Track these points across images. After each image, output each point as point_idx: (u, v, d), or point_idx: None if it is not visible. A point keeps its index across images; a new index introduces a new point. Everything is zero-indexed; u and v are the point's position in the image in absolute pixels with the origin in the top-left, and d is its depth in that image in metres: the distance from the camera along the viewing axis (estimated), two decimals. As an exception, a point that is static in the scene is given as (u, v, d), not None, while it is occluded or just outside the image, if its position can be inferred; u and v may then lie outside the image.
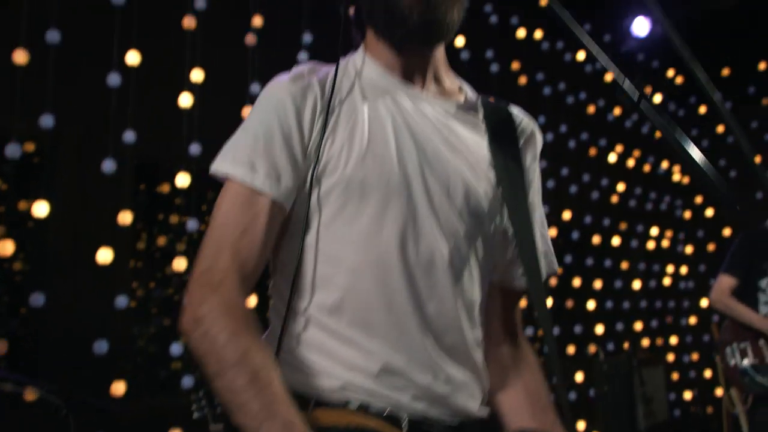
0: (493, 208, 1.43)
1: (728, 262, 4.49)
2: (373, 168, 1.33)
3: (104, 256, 3.61)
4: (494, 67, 5.70)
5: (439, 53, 1.49)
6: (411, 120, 1.40)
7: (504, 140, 1.49)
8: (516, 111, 1.58)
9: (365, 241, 1.31)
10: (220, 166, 1.33)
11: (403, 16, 1.36)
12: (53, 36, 3.56)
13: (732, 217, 7.04)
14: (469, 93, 1.54)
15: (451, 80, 1.53)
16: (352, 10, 1.49)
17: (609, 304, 6.75)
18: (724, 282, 4.44)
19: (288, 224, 1.37)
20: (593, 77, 6.54)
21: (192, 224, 3.87)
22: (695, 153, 0.96)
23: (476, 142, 1.46)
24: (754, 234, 4.54)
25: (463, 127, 1.46)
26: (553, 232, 4.84)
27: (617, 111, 7.04)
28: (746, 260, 4.43)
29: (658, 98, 7.54)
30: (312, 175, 1.33)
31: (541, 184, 1.58)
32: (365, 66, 1.46)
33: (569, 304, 6.24)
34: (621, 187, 7.03)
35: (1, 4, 3.68)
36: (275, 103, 1.35)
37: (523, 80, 5.95)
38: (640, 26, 6.61)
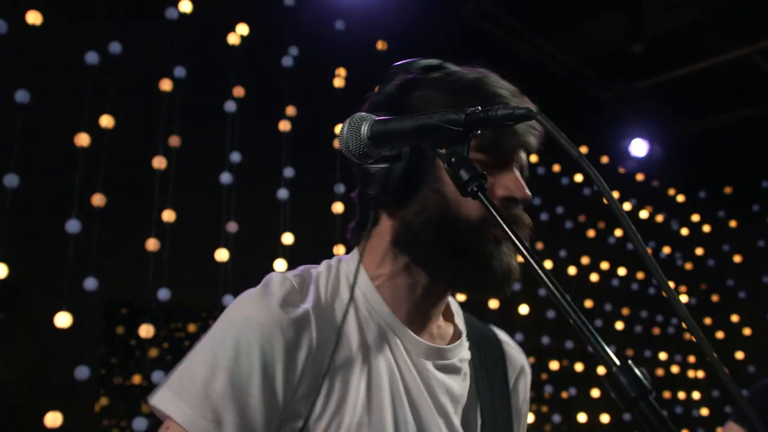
0: None
1: (739, 412, 4.15)
2: None
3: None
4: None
5: None
6: (410, 383, 1.20)
7: (494, 385, 1.34)
8: (505, 341, 1.43)
9: None
10: (167, 404, 1.07)
11: (494, 273, 1.16)
12: (11, 180, 3.35)
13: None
14: (460, 325, 1.35)
15: (448, 310, 1.36)
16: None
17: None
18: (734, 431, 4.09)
19: None
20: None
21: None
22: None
23: (466, 394, 1.28)
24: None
25: (454, 378, 1.27)
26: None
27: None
28: (758, 415, 4.08)
29: (659, 218, 7.35)
30: None
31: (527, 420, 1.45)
32: (366, 294, 1.22)
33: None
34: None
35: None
36: (260, 333, 1.08)
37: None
38: (638, 147, 6.54)
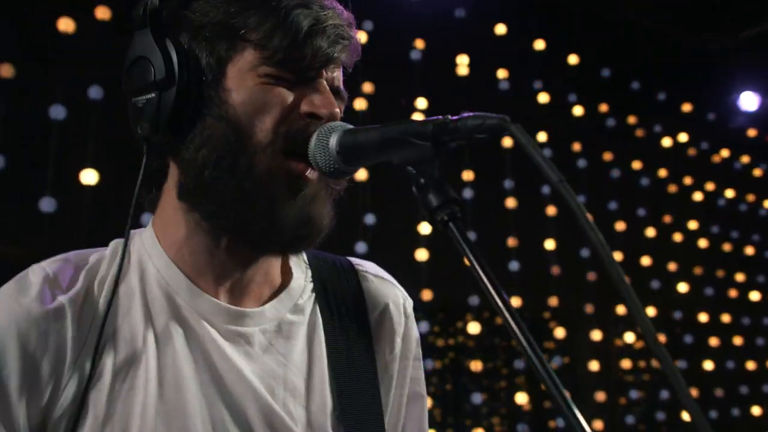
0: None
1: None
2: None
3: None
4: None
5: None
6: (224, 368, 0.99)
7: (349, 332, 1.11)
8: (364, 274, 1.19)
9: None
10: None
11: (282, 228, 0.98)
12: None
13: None
14: (294, 267, 1.13)
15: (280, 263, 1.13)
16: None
17: (735, 411, 5.97)
18: None
19: None
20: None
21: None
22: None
23: (308, 354, 1.08)
24: None
25: (290, 340, 1.07)
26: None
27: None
28: None
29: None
30: None
31: (413, 369, 1.20)
32: (159, 267, 1.03)
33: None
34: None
35: None
36: None
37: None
38: (748, 101, 6.09)
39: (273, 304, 1.07)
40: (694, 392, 5.31)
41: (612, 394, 5.52)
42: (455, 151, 0.85)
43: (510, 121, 0.77)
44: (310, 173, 0.99)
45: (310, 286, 1.13)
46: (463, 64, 4.61)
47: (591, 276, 4.98)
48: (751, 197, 6.54)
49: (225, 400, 0.98)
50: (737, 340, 6.07)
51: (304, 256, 1.16)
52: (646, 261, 5.45)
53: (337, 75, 1.06)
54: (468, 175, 4.53)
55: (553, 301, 4.85)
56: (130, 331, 0.98)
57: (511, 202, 4.66)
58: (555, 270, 4.79)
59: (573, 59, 5.16)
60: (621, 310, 5.32)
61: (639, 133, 5.71)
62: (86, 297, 0.98)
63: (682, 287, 5.64)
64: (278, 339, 1.05)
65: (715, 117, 6.20)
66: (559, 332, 5.05)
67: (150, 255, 1.04)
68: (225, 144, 0.97)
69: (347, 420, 1.05)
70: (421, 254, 4.34)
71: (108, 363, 0.95)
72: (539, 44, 4.94)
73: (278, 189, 0.97)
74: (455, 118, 0.83)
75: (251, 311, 1.04)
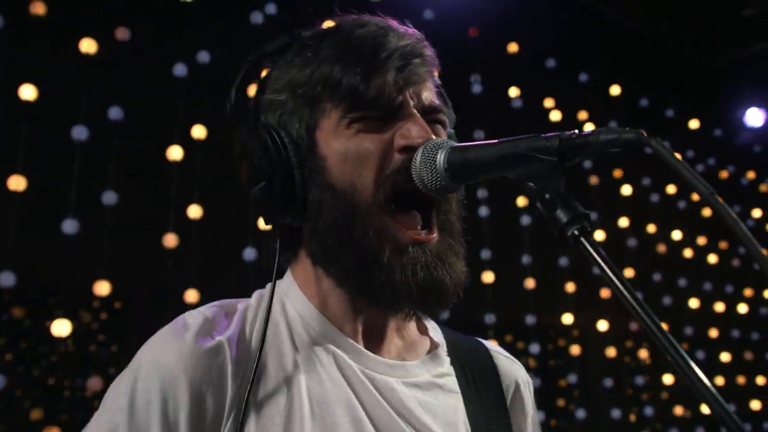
0: None
1: None
2: None
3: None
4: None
5: None
6: (367, 403, 1.00)
7: (485, 404, 1.12)
8: (495, 352, 1.22)
9: None
10: None
11: (407, 296, 0.98)
12: (109, 197, 3.37)
13: None
14: (436, 338, 1.16)
15: (420, 323, 1.16)
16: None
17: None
18: None
19: None
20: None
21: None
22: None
23: (450, 413, 1.07)
24: None
25: (433, 395, 1.07)
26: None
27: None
28: None
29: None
30: None
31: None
32: (303, 313, 1.06)
33: None
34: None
35: None
36: (160, 383, 0.94)
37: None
38: (754, 117, 6.12)
39: (418, 363, 1.09)
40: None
41: (626, 410, 5.51)
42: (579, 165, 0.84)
43: (646, 135, 0.75)
44: (425, 234, 0.99)
45: (448, 358, 1.14)
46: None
47: (604, 293, 4.98)
48: (756, 213, 6.57)
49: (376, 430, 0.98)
50: (748, 355, 6.08)
51: (439, 328, 1.18)
52: (657, 277, 5.47)
53: (426, 93, 1.04)
54: (482, 193, 4.54)
55: (567, 319, 4.85)
56: (282, 369, 1.00)
57: (525, 220, 4.66)
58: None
59: (583, 77, 5.19)
60: (634, 326, 5.33)
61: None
62: (240, 337, 1.00)
63: (693, 303, 5.64)
64: (419, 393, 1.05)
65: (721, 133, 6.23)
66: (575, 349, 5.05)
67: (293, 303, 1.06)
68: (335, 210, 0.99)
69: None
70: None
71: (264, 398, 0.97)
72: (550, 62, 4.97)
73: (392, 259, 0.97)
74: (584, 133, 0.82)
75: (396, 363, 1.06)
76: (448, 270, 0.99)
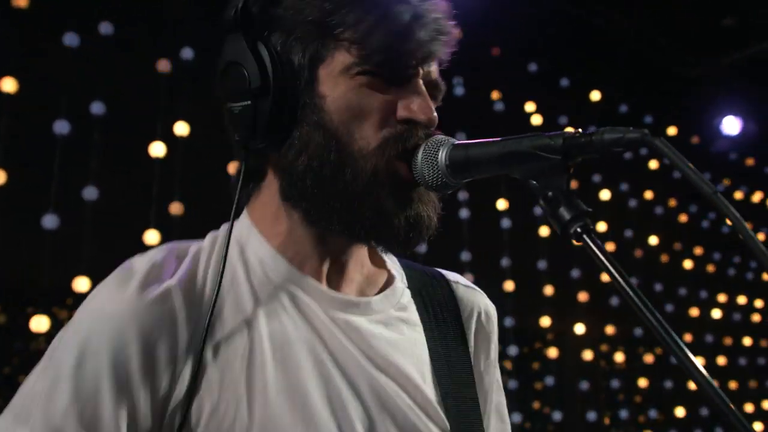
0: None
1: None
2: None
3: None
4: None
5: None
6: (330, 342, 1.00)
7: (446, 335, 1.12)
8: (455, 282, 1.20)
9: None
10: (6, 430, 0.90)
11: (393, 230, 0.98)
12: (90, 193, 3.34)
13: None
14: (394, 271, 1.15)
15: (372, 256, 1.14)
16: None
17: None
18: None
19: None
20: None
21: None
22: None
23: (416, 347, 1.08)
24: None
25: (398, 331, 1.07)
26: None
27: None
28: None
29: (756, 198, 6.97)
30: None
31: (499, 375, 1.23)
32: (262, 255, 1.03)
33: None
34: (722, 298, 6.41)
35: None
36: (108, 333, 0.90)
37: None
38: (731, 125, 6.20)
39: (380, 298, 1.08)
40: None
41: (601, 412, 5.55)
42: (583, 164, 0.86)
43: (651, 135, 0.76)
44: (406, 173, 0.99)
45: (408, 290, 1.14)
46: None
47: (582, 296, 5.02)
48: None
49: (339, 378, 0.97)
50: (721, 360, 6.16)
51: (397, 261, 1.17)
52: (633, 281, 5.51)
53: (434, 68, 1.04)
54: (463, 195, 4.55)
55: (545, 322, 4.88)
56: (241, 313, 0.97)
57: (505, 223, 4.68)
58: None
59: (564, 82, 5.23)
60: (610, 330, 5.38)
61: (627, 154, 5.79)
62: (193, 282, 0.97)
63: (669, 307, 5.71)
64: (384, 331, 1.05)
65: (698, 140, 6.31)
66: (552, 352, 5.08)
67: (252, 245, 1.04)
68: (326, 153, 0.97)
69: (452, 420, 1.04)
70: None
71: (222, 342, 0.95)
72: (532, 66, 5.01)
73: (385, 195, 0.97)
74: (588, 132, 0.83)
75: (359, 300, 1.05)
76: (430, 210, 1.00)
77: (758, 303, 6.66)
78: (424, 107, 0.98)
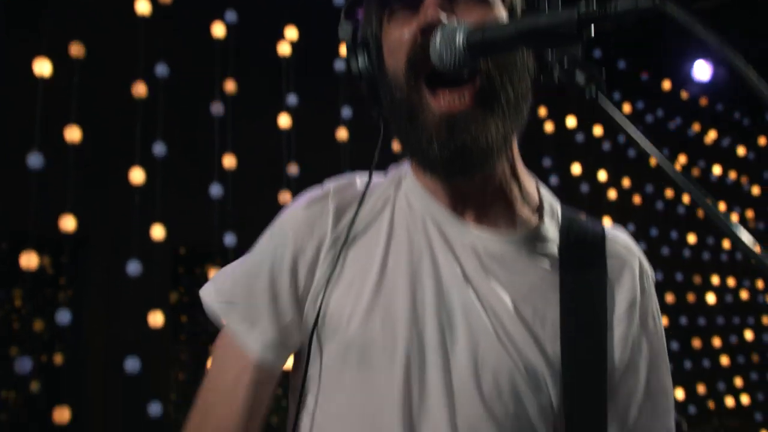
0: (545, 394, 1.06)
1: None
2: (379, 329, 1.06)
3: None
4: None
5: (506, 168, 1.15)
6: (443, 262, 1.10)
7: (589, 284, 1.11)
8: (612, 237, 1.18)
9: (361, 424, 1.06)
10: (205, 292, 1.18)
11: (421, 146, 1.07)
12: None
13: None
14: (547, 219, 1.17)
15: (525, 199, 1.18)
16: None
17: (687, 364, 6.24)
18: None
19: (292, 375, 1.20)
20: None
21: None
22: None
23: (541, 291, 1.10)
24: None
25: (523, 270, 1.11)
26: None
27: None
28: None
29: (726, 142, 7.12)
30: (312, 334, 1.09)
31: (660, 346, 1.16)
32: (407, 185, 1.19)
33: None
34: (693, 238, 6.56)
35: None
36: (276, 235, 1.17)
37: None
38: (702, 70, 6.29)
39: (520, 238, 1.13)
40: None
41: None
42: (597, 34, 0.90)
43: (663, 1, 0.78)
44: (459, 101, 1.04)
45: (557, 235, 1.16)
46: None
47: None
48: (702, 163, 6.81)
49: (433, 286, 1.08)
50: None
51: (558, 206, 1.21)
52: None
53: None
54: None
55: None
56: (374, 234, 1.14)
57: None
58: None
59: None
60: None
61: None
62: (348, 204, 1.16)
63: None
64: (506, 270, 1.10)
65: (670, 86, 6.39)
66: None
67: (407, 180, 1.19)
68: (387, 96, 1.12)
69: (565, 365, 1.06)
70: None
71: (353, 259, 1.13)
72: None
73: (428, 129, 1.06)
74: (602, 2, 0.85)
75: (490, 236, 1.12)
76: (474, 133, 1.04)
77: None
78: (429, 12, 1.05)
